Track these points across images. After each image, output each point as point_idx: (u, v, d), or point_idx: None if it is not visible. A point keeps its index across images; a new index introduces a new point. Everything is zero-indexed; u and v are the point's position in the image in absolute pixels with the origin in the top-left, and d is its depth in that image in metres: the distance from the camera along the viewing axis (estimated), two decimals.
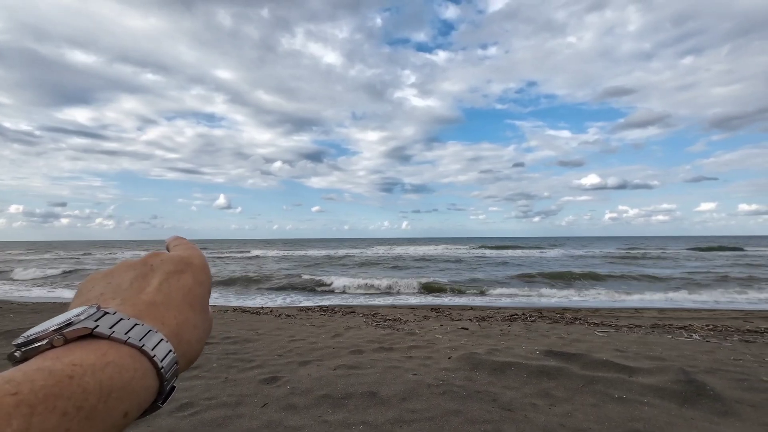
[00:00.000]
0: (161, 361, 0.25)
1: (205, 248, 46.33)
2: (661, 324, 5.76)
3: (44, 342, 0.23)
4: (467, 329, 5.16)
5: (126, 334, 0.24)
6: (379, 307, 8.47)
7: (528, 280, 13.67)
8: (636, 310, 7.85)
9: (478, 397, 2.64)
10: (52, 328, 0.23)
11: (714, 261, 21.25)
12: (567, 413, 2.42)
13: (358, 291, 11.60)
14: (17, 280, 14.96)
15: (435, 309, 7.85)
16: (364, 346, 4.03)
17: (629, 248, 38.43)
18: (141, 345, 0.24)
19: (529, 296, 10.40)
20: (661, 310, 7.78)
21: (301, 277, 14.09)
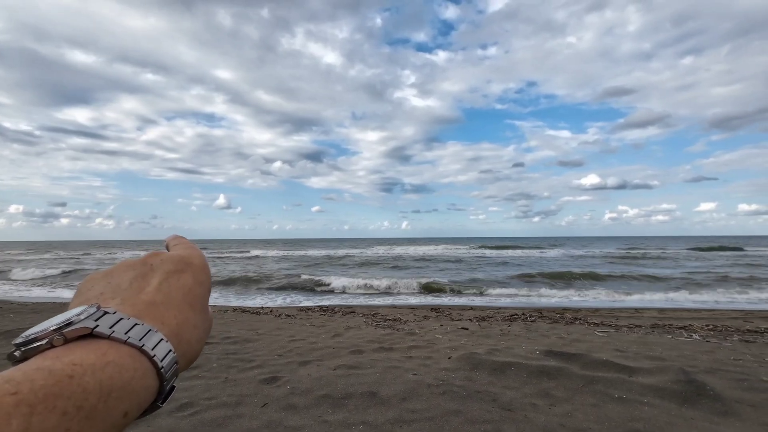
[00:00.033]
0: (161, 361, 0.25)
1: (204, 248, 46.32)
2: (661, 324, 5.76)
3: (44, 341, 0.23)
4: (467, 329, 5.16)
5: (126, 333, 0.24)
6: (379, 307, 8.47)
7: (528, 280, 13.67)
8: (636, 310, 7.85)
9: (478, 397, 2.64)
10: (51, 328, 0.23)
11: (714, 261, 21.25)
12: (567, 413, 2.42)
13: (358, 291, 11.60)
14: (15, 280, 14.91)
15: (435, 309, 7.85)
16: (364, 346, 4.03)
17: (629, 248, 38.43)
18: (141, 345, 0.24)
19: (529, 296, 10.40)
20: (661, 310, 7.78)
21: (301, 277, 14.09)
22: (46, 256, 32.59)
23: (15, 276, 15.63)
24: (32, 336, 0.23)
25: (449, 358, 3.56)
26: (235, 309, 7.77)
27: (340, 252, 35.74)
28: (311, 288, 12.10)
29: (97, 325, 0.24)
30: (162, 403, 0.26)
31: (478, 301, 9.72)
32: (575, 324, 5.79)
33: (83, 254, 35.25)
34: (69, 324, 0.23)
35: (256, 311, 7.43)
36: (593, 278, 13.73)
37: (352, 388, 2.77)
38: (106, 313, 0.25)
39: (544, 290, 11.09)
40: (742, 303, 9.00)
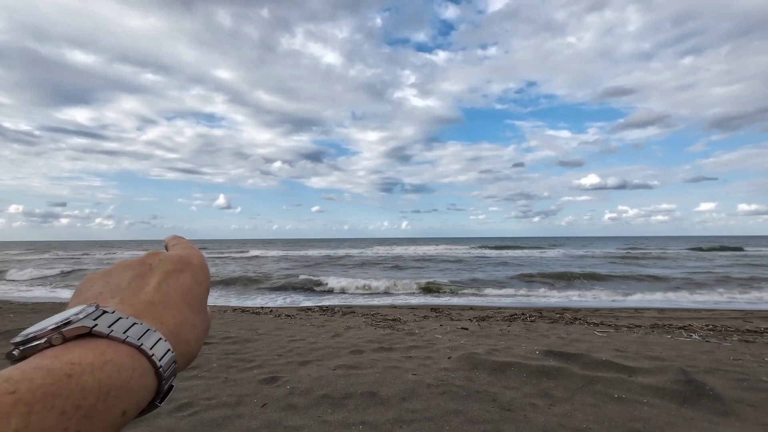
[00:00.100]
0: (159, 360, 0.25)
1: (204, 248, 46.30)
2: (661, 324, 5.76)
3: (43, 340, 0.23)
4: (467, 329, 5.16)
5: (124, 333, 0.24)
6: (378, 307, 8.47)
7: (528, 280, 13.67)
8: (636, 310, 7.85)
9: (478, 397, 2.64)
10: (50, 327, 0.23)
11: (714, 261, 21.26)
12: (567, 413, 2.42)
13: (358, 291, 11.59)
14: (12, 280, 14.80)
15: (435, 309, 7.85)
16: (363, 346, 4.03)
17: (629, 248, 38.44)
18: (139, 344, 0.24)
19: (528, 296, 10.40)
20: (660, 310, 7.78)
21: (300, 277, 14.08)
22: (45, 256, 32.56)
23: (11, 276, 15.50)
24: (31, 335, 0.23)
25: (449, 358, 3.56)
26: (234, 309, 7.77)
27: (340, 252, 35.73)
28: (311, 288, 12.09)
29: (96, 324, 0.24)
30: (160, 403, 0.26)
31: (478, 301, 9.71)
32: (575, 324, 5.79)
33: (82, 254, 35.22)
34: (68, 323, 0.23)
35: (255, 311, 7.43)
36: (593, 278, 13.73)
37: (352, 388, 2.77)
38: (104, 312, 0.25)
39: (543, 290, 11.09)
40: (742, 303, 9.00)
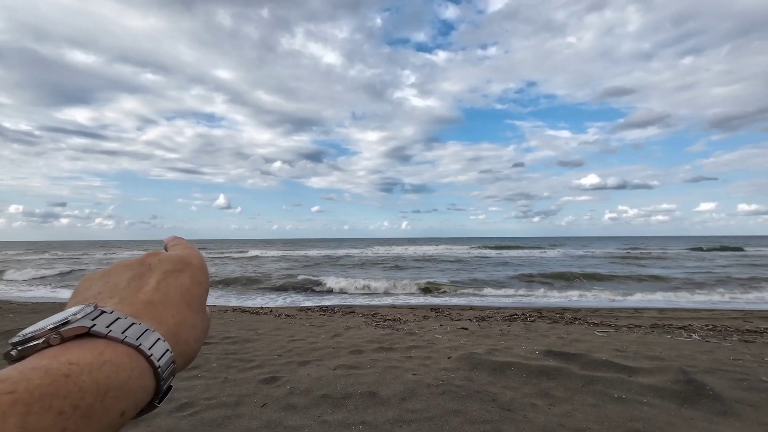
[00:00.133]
0: (158, 361, 0.25)
1: (204, 248, 46.31)
2: (661, 324, 5.76)
3: (41, 341, 0.23)
4: (467, 329, 5.16)
5: (123, 333, 0.24)
6: (378, 307, 8.47)
7: (528, 280, 13.67)
8: (635, 310, 7.85)
9: (478, 397, 2.64)
10: (48, 327, 0.23)
11: (714, 261, 21.26)
12: (566, 413, 2.42)
13: (358, 291, 11.59)
14: (10, 280, 14.73)
15: (435, 309, 7.85)
16: (363, 346, 4.03)
17: (629, 248, 38.45)
18: (138, 344, 0.24)
19: (528, 296, 10.41)
20: (660, 310, 7.79)
21: (300, 277, 14.08)
22: (44, 256, 32.56)
23: (9, 277, 15.39)
24: (29, 335, 0.23)
25: (449, 358, 3.56)
26: (234, 309, 7.77)
27: (340, 252, 35.74)
28: (311, 288, 12.09)
29: (94, 324, 0.24)
30: (159, 403, 0.26)
31: (478, 301, 9.71)
32: (575, 324, 5.79)
33: (82, 254, 35.22)
34: (66, 323, 0.23)
35: (255, 311, 7.42)
36: (593, 278, 13.74)
37: (352, 388, 2.77)
38: (103, 312, 0.25)
39: (543, 290, 11.09)
40: (742, 303, 9.00)
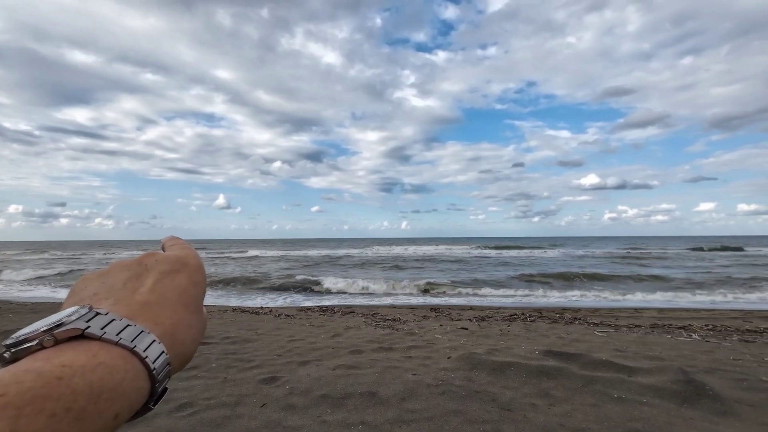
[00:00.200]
0: (153, 363, 0.25)
1: (204, 248, 46.34)
2: (661, 324, 5.76)
3: (34, 343, 0.22)
4: (467, 329, 5.16)
5: (118, 335, 0.24)
6: (378, 307, 8.47)
7: (527, 280, 13.68)
8: (635, 310, 7.86)
9: (478, 397, 2.64)
10: (42, 329, 0.23)
11: (714, 261, 21.28)
12: (566, 413, 2.42)
13: (358, 291, 11.59)
14: (8, 280, 14.66)
15: (434, 309, 7.85)
16: (363, 346, 4.03)
17: (629, 248, 38.47)
18: (133, 346, 0.24)
19: (528, 296, 10.41)
20: (660, 310, 7.79)
21: (300, 277, 14.08)
22: (43, 256, 32.55)
23: (5, 277, 15.28)
24: (23, 337, 0.23)
25: (449, 358, 3.56)
26: (234, 309, 7.77)
27: (340, 252, 35.75)
28: (310, 288, 12.10)
29: (89, 326, 0.24)
30: (154, 405, 0.26)
31: (478, 301, 9.72)
32: (575, 324, 5.79)
33: (81, 254, 35.22)
34: (60, 325, 0.23)
35: (255, 311, 7.42)
36: (593, 278, 13.74)
37: (352, 388, 2.77)
38: (98, 314, 0.25)
39: (543, 290, 11.10)
40: (742, 303, 9.01)
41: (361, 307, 8.42)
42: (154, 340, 0.26)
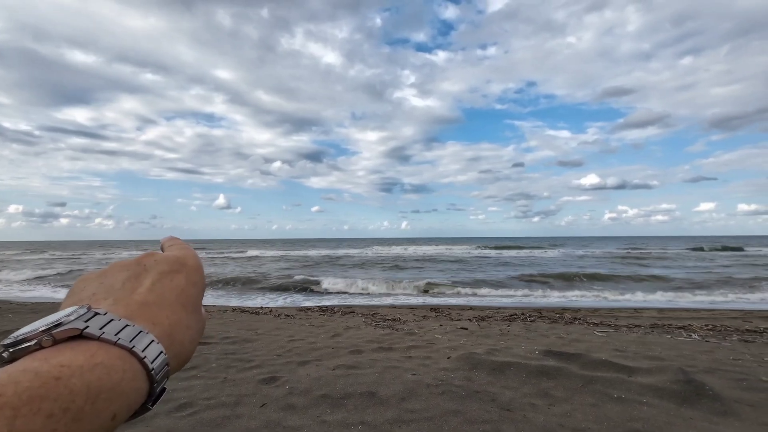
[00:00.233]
0: (151, 363, 0.25)
1: (204, 248, 46.34)
2: (661, 324, 5.76)
3: (32, 342, 0.22)
4: (466, 329, 5.16)
5: (116, 335, 0.24)
6: (378, 307, 8.47)
7: (527, 280, 13.67)
8: (635, 310, 7.86)
9: (477, 397, 2.64)
10: (41, 329, 0.23)
11: (714, 261, 21.28)
12: (566, 413, 2.42)
13: (358, 291, 11.59)
14: (6, 280, 14.66)
15: (434, 309, 7.85)
16: (363, 346, 4.03)
17: (629, 248, 38.47)
18: (131, 346, 0.24)
19: (528, 296, 10.41)
20: (660, 310, 7.79)
21: (300, 277, 14.08)
22: (42, 256, 32.52)
23: (5, 277, 15.24)
24: (21, 337, 0.23)
25: (448, 358, 3.56)
26: (234, 309, 7.77)
27: (340, 252, 35.75)
28: (310, 288, 12.09)
29: (87, 326, 0.24)
30: (152, 405, 0.26)
31: (478, 301, 9.72)
32: (574, 324, 5.79)
33: (81, 254, 35.20)
34: (59, 325, 0.23)
35: (255, 311, 7.42)
36: (593, 278, 13.74)
37: (351, 388, 2.77)
38: (96, 314, 0.25)
39: (543, 290, 11.09)
40: (741, 303, 9.01)
41: (360, 307, 8.42)
42: (153, 340, 0.26)
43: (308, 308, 8.22)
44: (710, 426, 2.27)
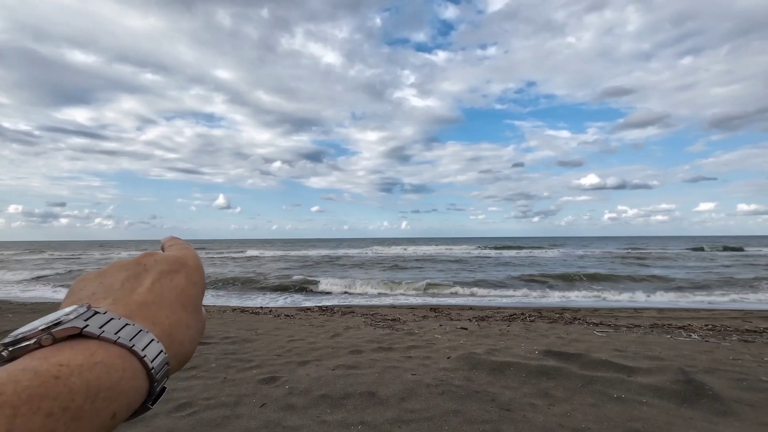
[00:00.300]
0: (151, 362, 0.25)
1: (203, 248, 46.32)
2: (660, 324, 5.76)
3: (32, 341, 0.22)
4: (466, 329, 5.16)
5: (116, 334, 0.24)
6: (378, 307, 8.47)
7: (527, 280, 13.67)
8: (635, 309, 7.86)
9: (477, 397, 2.64)
10: (40, 328, 0.23)
11: (714, 261, 21.29)
12: (566, 413, 2.42)
13: (357, 291, 11.59)
14: (5, 280, 14.57)
15: (434, 309, 7.85)
16: (363, 346, 4.03)
17: (629, 248, 38.48)
18: (131, 345, 0.24)
19: (528, 296, 10.41)
20: (660, 310, 7.79)
21: (300, 277, 14.08)
22: (42, 256, 32.51)
23: (5, 277, 15.21)
24: (20, 335, 0.23)
25: (448, 358, 3.56)
26: (234, 309, 7.76)
27: (340, 252, 35.75)
28: (310, 288, 12.09)
29: (87, 325, 0.23)
30: (152, 405, 0.26)
31: (477, 301, 9.72)
32: (574, 324, 5.79)
33: (80, 254, 35.18)
34: (58, 324, 0.23)
35: (255, 311, 7.42)
36: (593, 278, 13.74)
37: (351, 388, 2.77)
38: (96, 313, 0.25)
39: (543, 290, 11.10)
40: (741, 303, 9.01)
41: (360, 307, 8.42)
42: (153, 339, 0.26)
43: (308, 308, 8.22)
44: (710, 426, 2.27)
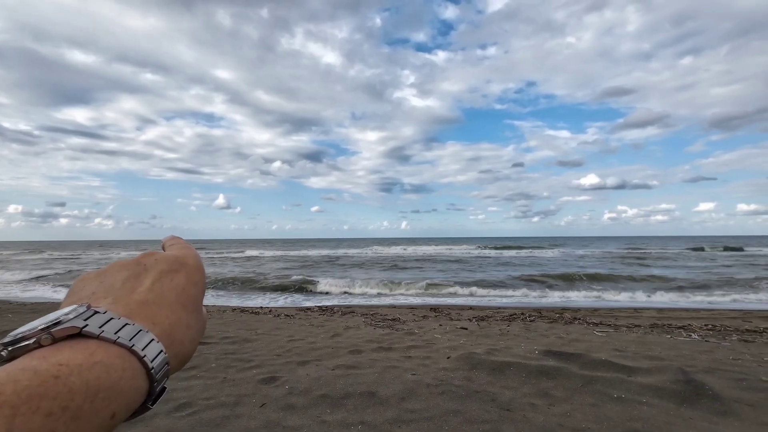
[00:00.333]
0: (151, 362, 0.25)
1: (203, 248, 46.32)
2: (660, 324, 5.76)
3: (31, 341, 0.22)
4: (466, 329, 5.16)
5: (116, 333, 0.24)
6: (378, 306, 8.47)
7: (527, 280, 13.67)
8: (635, 309, 7.86)
9: (477, 397, 2.64)
10: (40, 327, 0.23)
11: (714, 261, 21.30)
12: (566, 413, 2.42)
13: (357, 291, 11.59)
14: (5, 280, 14.53)
15: (434, 309, 7.85)
16: (363, 346, 4.03)
17: (629, 248, 38.50)
18: (131, 345, 0.24)
19: (528, 296, 10.41)
20: (660, 310, 7.79)
21: (299, 277, 14.08)
22: (42, 256, 32.50)
23: (5, 277, 15.16)
24: (20, 335, 0.22)
25: (448, 357, 3.56)
26: (234, 309, 7.76)
27: (339, 252, 35.76)
28: (310, 288, 12.09)
29: (86, 325, 0.23)
30: (152, 405, 0.26)
31: (477, 301, 9.72)
32: (574, 324, 5.79)
33: (80, 254, 35.17)
34: (58, 323, 0.23)
35: (255, 311, 7.42)
36: (593, 278, 13.75)
37: (351, 388, 2.77)
38: (96, 312, 0.25)
39: (543, 290, 11.10)
40: (741, 302, 9.01)
41: (360, 306, 8.42)
42: (153, 339, 0.26)
43: (308, 308, 8.22)
44: (710, 426, 2.27)
